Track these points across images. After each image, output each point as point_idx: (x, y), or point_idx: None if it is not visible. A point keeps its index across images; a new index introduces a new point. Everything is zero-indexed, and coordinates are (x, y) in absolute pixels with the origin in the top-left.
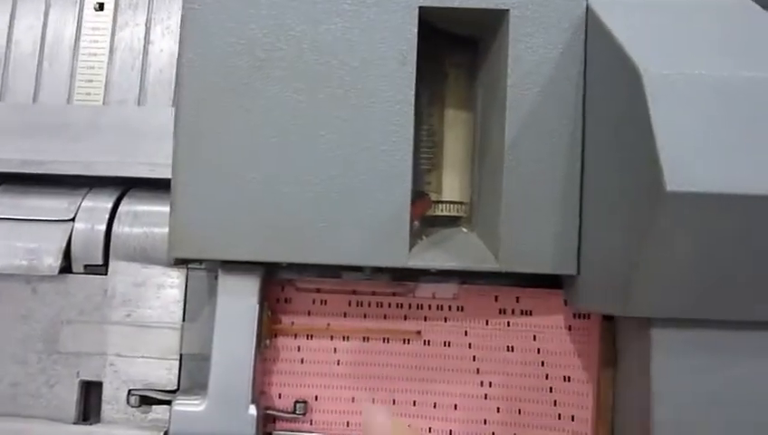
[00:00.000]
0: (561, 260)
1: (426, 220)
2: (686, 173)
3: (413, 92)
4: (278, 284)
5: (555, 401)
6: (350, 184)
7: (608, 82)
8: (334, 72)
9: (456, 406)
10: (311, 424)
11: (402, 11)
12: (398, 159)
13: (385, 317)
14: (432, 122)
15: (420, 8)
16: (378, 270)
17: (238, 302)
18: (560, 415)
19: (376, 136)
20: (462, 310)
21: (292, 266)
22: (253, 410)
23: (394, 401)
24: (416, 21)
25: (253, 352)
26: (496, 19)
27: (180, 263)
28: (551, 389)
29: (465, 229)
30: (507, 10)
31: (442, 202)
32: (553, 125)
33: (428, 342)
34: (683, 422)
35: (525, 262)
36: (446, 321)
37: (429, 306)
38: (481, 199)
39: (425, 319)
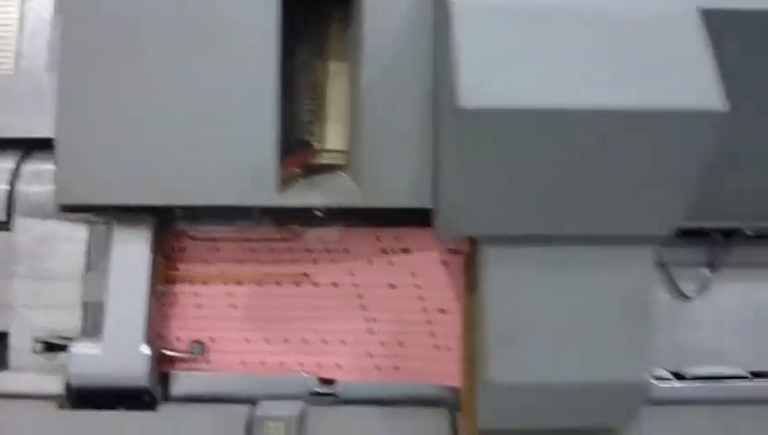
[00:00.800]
0: (418, 194)
1: (311, 168)
2: (481, 91)
3: (275, 44)
4: (174, 234)
5: (432, 333)
6: (220, 131)
7: (440, 22)
8: (203, 26)
9: (343, 341)
10: (208, 364)
11: None
12: (263, 106)
13: (276, 262)
14: (315, 75)
15: None
16: (263, 213)
17: (131, 250)
18: (437, 346)
19: (242, 84)
20: (347, 252)
21: (185, 216)
22: (146, 350)
23: (287, 340)
24: None
25: (145, 297)
26: None
27: (68, 211)
28: (428, 321)
29: (342, 174)
30: None
31: (326, 151)
32: (408, 70)
33: (317, 283)
34: (514, 332)
35: (388, 197)
36: (333, 263)
37: (318, 250)
38: (352, 144)
39: (313, 262)
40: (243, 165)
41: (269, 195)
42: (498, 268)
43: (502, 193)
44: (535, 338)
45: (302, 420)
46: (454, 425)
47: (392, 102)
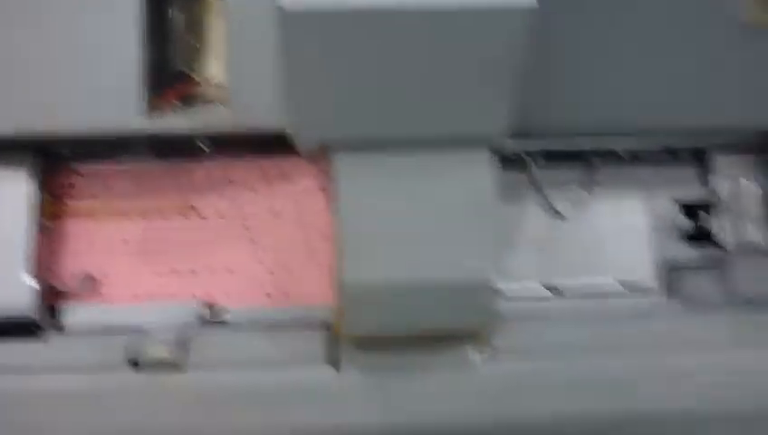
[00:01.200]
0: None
1: (192, 101)
2: None
3: None
4: (62, 170)
5: (317, 258)
6: (84, 60)
7: None
8: None
9: (231, 270)
10: (100, 297)
11: None
12: (127, 37)
13: (164, 197)
14: (195, 12)
15: None
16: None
17: (13, 187)
18: (321, 269)
19: (106, 16)
20: (232, 183)
21: (74, 155)
22: (31, 282)
23: (177, 273)
24: None
25: (28, 232)
26: None
27: None
28: (313, 247)
29: (220, 104)
30: None
31: (205, 84)
32: None
33: (204, 215)
34: (364, 235)
35: (255, 120)
36: (219, 195)
37: (203, 183)
38: (226, 73)
39: (199, 195)
40: (109, 92)
41: (137, 121)
42: (347, 174)
43: (336, 96)
44: (385, 240)
45: (184, 343)
46: (337, 345)
47: (256, 29)
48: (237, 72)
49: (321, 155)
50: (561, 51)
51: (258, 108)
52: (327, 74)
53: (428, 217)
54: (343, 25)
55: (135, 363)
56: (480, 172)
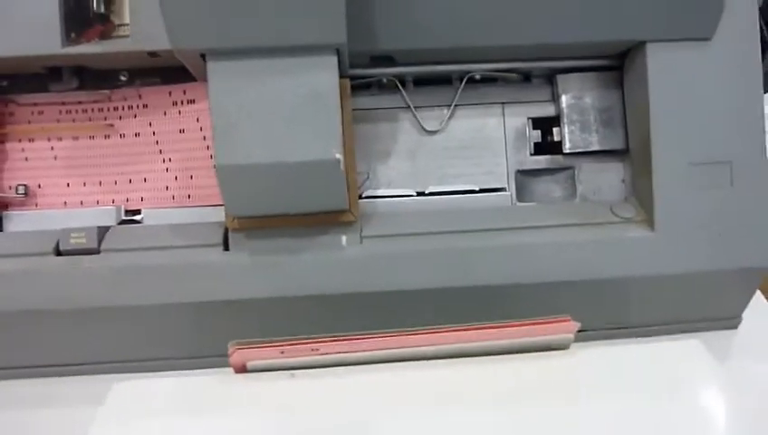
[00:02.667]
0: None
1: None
2: None
3: None
4: (2, 102)
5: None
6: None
7: None
8: None
9: (145, 179)
10: (36, 206)
11: None
12: None
13: (89, 120)
14: None
15: None
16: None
17: None
18: None
19: None
20: (146, 107)
21: (10, 88)
22: None
23: (100, 183)
24: None
25: None
26: None
27: None
28: (211, 157)
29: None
30: None
31: (123, 25)
32: None
33: (123, 135)
34: (232, 126)
35: (152, 42)
36: (135, 117)
37: (123, 107)
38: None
39: (119, 118)
40: (30, 23)
41: (53, 48)
42: (216, 77)
43: (203, 11)
44: (248, 130)
45: (102, 233)
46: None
47: None
48: (137, 7)
49: (200, 66)
50: None
51: (153, 36)
52: None
53: (284, 110)
54: None
55: (59, 252)
56: (326, 74)
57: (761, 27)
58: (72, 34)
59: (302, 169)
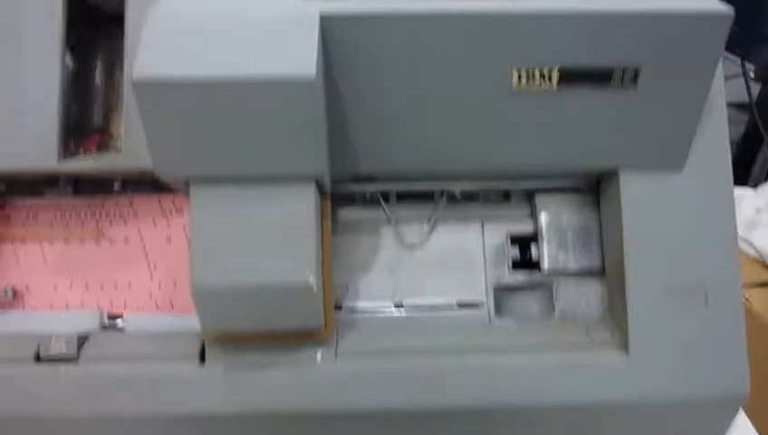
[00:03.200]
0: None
1: (104, 148)
2: (157, 65)
3: (59, 52)
4: (0, 205)
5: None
6: (14, 117)
7: None
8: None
9: (130, 285)
10: (23, 308)
11: None
12: (49, 100)
13: (81, 224)
14: (114, 79)
15: None
16: (67, 185)
17: None
18: None
19: (34, 79)
20: (136, 215)
21: (8, 191)
22: None
23: (87, 286)
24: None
25: None
26: None
27: None
28: None
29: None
30: None
31: (117, 138)
32: None
33: (113, 240)
34: (210, 248)
35: (141, 162)
36: (125, 224)
37: (114, 214)
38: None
39: (110, 224)
40: (30, 139)
41: (50, 163)
42: (198, 201)
43: (184, 144)
44: (226, 253)
45: (82, 341)
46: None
47: None
48: (129, 126)
49: (185, 187)
50: (406, 113)
51: (144, 155)
52: (174, 127)
53: (262, 234)
54: (178, 90)
55: (38, 358)
56: (304, 201)
57: (755, 121)
58: (71, 144)
59: (277, 292)
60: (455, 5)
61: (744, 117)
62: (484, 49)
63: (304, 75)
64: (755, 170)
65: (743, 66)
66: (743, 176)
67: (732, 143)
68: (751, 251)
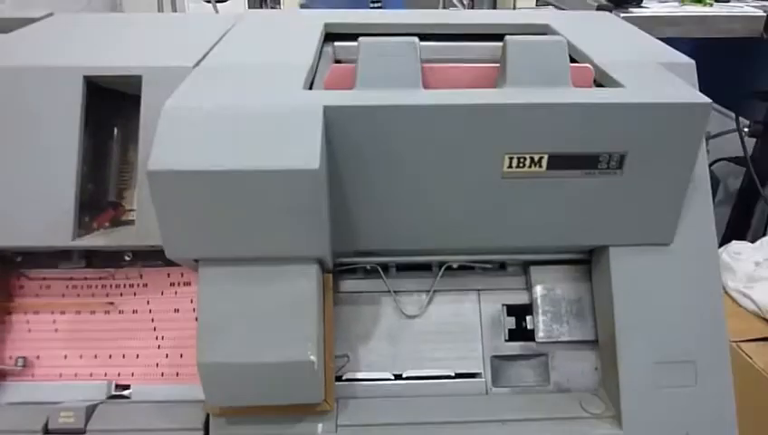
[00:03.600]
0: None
1: (119, 224)
2: (170, 157)
3: (77, 136)
4: (15, 276)
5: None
6: (32, 193)
7: None
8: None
9: (137, 356)
10: (32, 377)
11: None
12: (66, 177)
13: (92, 295)
14: (128, 155)
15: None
16: (81, 258)
17: None
18: None
19: (50, 158)
20: (146, 286)
21: (24, 263)
22: None
23: (96, 356)
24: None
25: None
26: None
27: None
28: None
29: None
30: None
31: (134, 211)
32: None
33: (122, 311)
34: (216, 325)
35: (152, 239)
36: (135, 295)
37: (124, 285)
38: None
39: (120, 295)
40: (48, 218)
41: (65, 240)
42: (206, 280)
43: (193, 228)
44: (231, 331)
45: (90, 412)
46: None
47: None
48: (142, 203)
49: (193, 265)
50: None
51: (155, 232)
52: (186, 213)
53: (265, 312)
54: (189, 181)
55: (47, 430)
56: (306, 281)
57: (752, 176)
58: (86, 219)
59: (280, 369)
60: (450, 97)
61: (741, 171)
62: (479, 136)
63: (308, 167)
64: (754, 224)
65: (737, 122)
66: (741, 230)
67: (729, 197)
68: (750, 305)
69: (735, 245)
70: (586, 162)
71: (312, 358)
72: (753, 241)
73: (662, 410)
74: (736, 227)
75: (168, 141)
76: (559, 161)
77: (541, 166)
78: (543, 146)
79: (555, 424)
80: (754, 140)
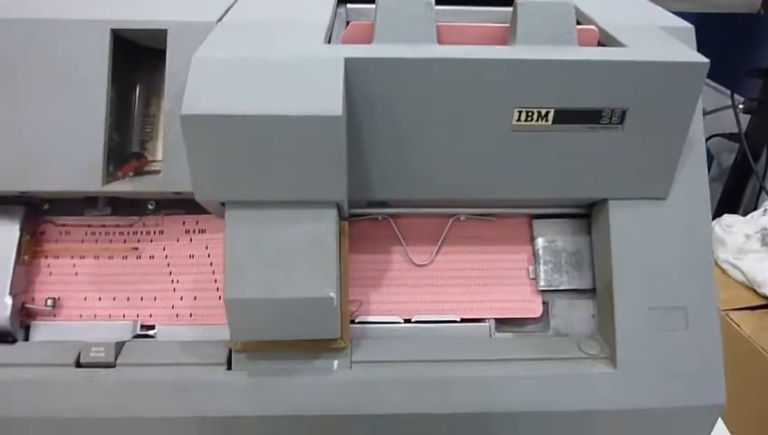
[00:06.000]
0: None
1: (142, 172)
2: (201, 102)
3: (105, 87)
4: (39, 222)
5: (218, 289)
6: (62, 140)
7: None
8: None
9: (155, 298)
10: (55, 317)
11: (99, 32)
12: (95, 127)
13: (111, 241)
14: (151, 109)
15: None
16: (106, 205)
17: (3, 231)
18: (220, 297)
19: (79, 107)
20: (162, 233)
21: (49, 209)
22: (9, 300)
23: (114, 299)
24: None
25: (12, 264)
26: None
27: None
28: (215, 281)
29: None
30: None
31: (156, 161)
32: None
33: (140, 256)
34: (244, 267)
35: (178, 186)
36: (152, 241)
37: (142, 232)
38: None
39: (138, 241)
40: (79, 164)
41: (95, 186)
42: (233, 222)
43: (222, 171)
44: (256, 269)
45: (119, 348)
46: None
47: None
48: (168, 152)
49: (220, 209)
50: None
51: (181, 179)
52: (215, 157)
53: (288, 252)
54: (219, 124)
55: (79, 363)
56: (326, 223)
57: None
58: (111, 168)
59: (300, 304)
60: (464, 51)
61: (735, 147)
62: (491, 90)
63: (332, 114)
64: (745, 199)
65: (732, 99)
66: (733, 204)
67: (723, 172)
68: (739, 276)
69: (727, 218)
70: (589, 117)
71: (332, 294)
72: (744, 215)
73: (654, 352)
74: (728, 201)
75: (199, 88)
76: (564, 116)
77: (547, 120)
78: (550, 101)
79: (554, 363)
80: (749, 116)
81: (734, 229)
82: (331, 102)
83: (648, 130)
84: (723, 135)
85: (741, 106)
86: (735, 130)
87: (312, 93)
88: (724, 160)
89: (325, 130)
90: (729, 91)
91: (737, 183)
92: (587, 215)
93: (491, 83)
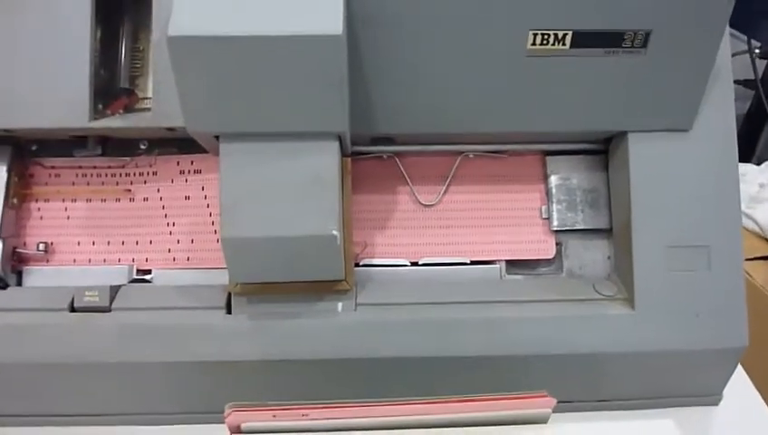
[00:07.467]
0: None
1: (132, 109)
2: (190, 23)
3: (89, 20)
4: (27, 163)
5: (215, 231)
6: (47, 76)
7: None
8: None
9: (150, 242)
10: (47, 262)
11: None
12: (80, 60)
13: (103, 184)
14: (140, 42)
15: None
16: (97, 144)
17: None
18: (218, 240)
19: (64, 41)
20: (156, 174)
21: (37, 150)
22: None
23: (109, 243)
24: None
25: (1, 206)
26: None
27: None
28: (213, 223)
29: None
30: None
31: (146, 99)
32: None
33: (133, 199)
34: (237, 205)
35: (169, 121)
36: (145, 183)
37: (135, 174)
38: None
39: (131, 183)
40: (64, 100)
41: (82, 122)
42: (227, 156)
43: (212, 100)
44: (253, 206)
45: (114, 292)
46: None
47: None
48: (159, 84)
49: (214, 144)
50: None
51: (172, 114)
52: (206, 84)
53: (288, 188)
54: (209, 46)
55: (73, 308)
56: (328, 157)
57: (760, 98)
58: (99, 106)
59: (302, 243)
60: None
61: (750, 94)
62: (504, 9)
63: (332, 32)
64: (759, 147)
65: (749, 43)
66: (747, 152)
67: (737, 120)
68: (752, 226)
69: (741, 167)
70: (610, 40)
71: (335, 232)
72: (758, 164)
73: (675, 293)
74: (742, 150)
75: (188, 8)
76: (583, 39)
77: (564, 43)
78: (568, 22)
79: (569, 305)
80: (765, 62)
81: (748, 178)
82: (331, 20)
83: (673, 53)
84: (737, 81)
85: (757, 51)
86: (751, 76)
87: (310, 11)
88: (738, 108)
89: (324, 52)
90: (745, 37)
91: (752, 131)
92: (604, 151)
93: (505, 1)
